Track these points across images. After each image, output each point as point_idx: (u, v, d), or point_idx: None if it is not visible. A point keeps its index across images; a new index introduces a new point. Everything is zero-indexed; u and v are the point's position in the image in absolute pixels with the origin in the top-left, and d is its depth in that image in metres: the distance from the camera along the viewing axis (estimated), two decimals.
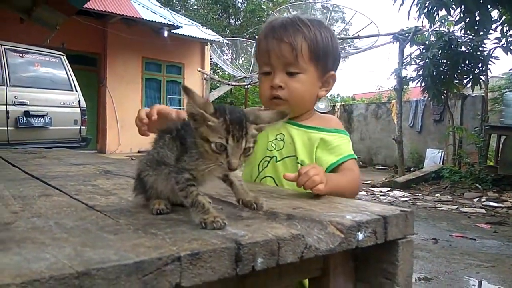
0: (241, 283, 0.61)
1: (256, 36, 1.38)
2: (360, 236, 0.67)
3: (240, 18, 22.87)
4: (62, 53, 7.40)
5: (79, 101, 7.27)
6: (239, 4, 23.34)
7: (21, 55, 6.98)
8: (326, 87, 1.21)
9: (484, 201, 6.11)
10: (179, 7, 21.82)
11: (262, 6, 21.48)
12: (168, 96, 13.41)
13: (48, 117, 6.85)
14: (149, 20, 11.73)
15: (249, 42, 14.42)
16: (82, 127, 7.30)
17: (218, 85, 15.35)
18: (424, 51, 7.73)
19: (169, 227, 0.60)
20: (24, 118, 6.58)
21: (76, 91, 7.28)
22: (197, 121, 0.68)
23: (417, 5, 5.37)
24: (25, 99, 6.60)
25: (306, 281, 0.97)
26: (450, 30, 7.60)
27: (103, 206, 0.78)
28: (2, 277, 0.38)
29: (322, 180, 0.89)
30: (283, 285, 0.74)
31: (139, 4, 12.34)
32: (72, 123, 7.18)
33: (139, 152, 12.13)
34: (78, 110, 7.25)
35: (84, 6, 8.50)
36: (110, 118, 12.07)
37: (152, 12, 12.37)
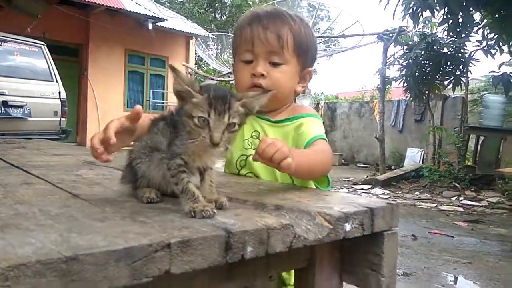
0: (228, 273, 0.61)
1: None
2: (348, 227, 0.68)
3: (226, 13, 22.76)
4: (43, 43, 7.23)
5: (59, 92, 7.12)
6: None
7: (0, 43, 6.79)
8: (303, 83, 1.20)
9: (462, 200, 6.25)
10: (164, 0, 21.57)
11: (248, 2, 21.39)
12: (151, 90, 13.26)
13: (27, 108, 6.69)
14: (133, 11, 11.54)
15: None
16: (62, 119, 7.15)
17: (202, 79, 15.26)
18: (407, 51, 7.83)
19: (157, 215, 0.60)
20: (2, 109, 6.40)
21: (57, 81, 7.12)
22: (183, 99, 0.69)
23: (402, 5, 5.44)
24: (3, 88, 6.43)
25: (291, 277, 0.96)
26: (433, 32, 7.71)
27: (88, 195, 0.76)
28: None
29: (290, 153, 0.79)
30: (270, 275, 0.74)
31: None
32: (52, 114, 7.02)
33: None
34: (59, 101, 7.10)
35: None
36: (91, 111, 11.87)
37: (136, 4, 12.18)
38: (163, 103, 13.55)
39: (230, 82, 13.64)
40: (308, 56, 1.17)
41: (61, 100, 7.12)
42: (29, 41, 7.06)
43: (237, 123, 0.69)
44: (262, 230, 0.56)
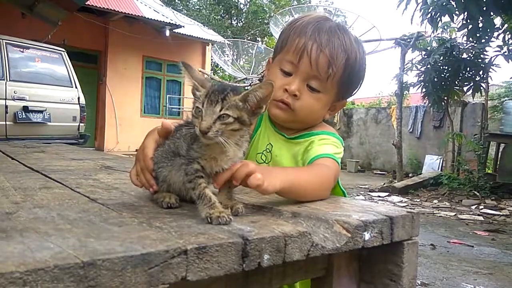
0: (245, 281, 0.60)
1: (272, 30, 1.14)
2: (367, 236, 0.66)
3: (242, 19, 22.90)
4: (63, 49, 7.38)
5: (78, 98, 7.25)
6: (241, 6, 23.38)
7: (21, 50, 6.96)
8: (332, 110, 1.11)
9: (482, 209, 6.11)
10: (181, 7, 21.84)
11: (264, 8, 21.50)
12: (167, 95, 13.40)
13: (47, 113, 6.82)
14: (151, 18, 11.72)
15: (250, 44, 14.42)
16: (80, 124, 7.28)
17: None
18: (425, 57, 7.74)
19: (174, 221, 0.59)
20: (23, 113, 6.55)
21: (76, 87, 7.26)
22: (195, 96, 0.71)
23: (420, 10, 5.38)
24: (24, 94, 6.58)
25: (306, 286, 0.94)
26: (452, 37, 7.61)
27: (105, 199, 0.77)
28: (6, 266, 0.37)
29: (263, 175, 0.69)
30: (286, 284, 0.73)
31: (141, 3, 12.33)
32: (71, 119, 7.16)
33: (137, 150, 12.13)
34: (78, 106, 7.23)
35: (86, 3, 8.51)
36: (109, 116, 12.06)
37: (154, 11, 12.36)
38: (179, 108, 13.66)
39: (246, 88, 13.70)
40: (350, 89, 1.09)
41: (80, 106, 7.25)
42: (50, 48, 7.22)
43: (232, 115, 0.67)
44: (279, 237, 0.55)
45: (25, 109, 6.55)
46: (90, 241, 0.47)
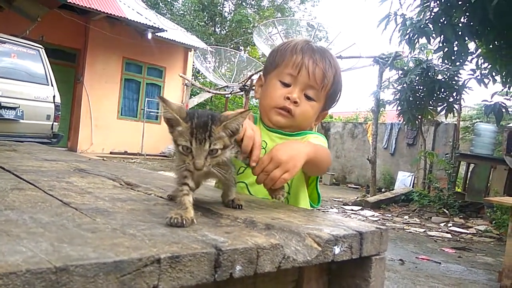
0: None
1: (277, 47, 1.35)
2: (337, 250, 0.68)
3: (226, 27, 22.98)
4: (41, 46, 7.23)
5: (54, 96, 7.09)
6: (226, 14, 23.47)
7: None
8: (317, 120, 1.28)
9: (450, 226, 6.28)
10: (165, 11, 21.74)
11: (249, 18, 21.64)
12: (146, 99, 13.26)
13: (20, 110, 6.65)
14: (134, 20, 11.62)
15: (233, 52, 14.47)
16: (54, 123, 7.11)
17: (198, 91, 15.30)
18: (402, 76, 7.96)
19: (148, 229, 0.60)
20: None
21: (52, 85, 7.10)
22: (172, 126, 0.75)
23: (399, 31, 5.53)
24: None
25: None
26: (429, 58, 7.86)
27: (79, 203, 0.76)
28: None
29: (285, 169, 0.87)
30: None
31: (124, 4, 12.22)
32: (45, 118, 6.98)
33: (111, 153, 11.91)
34: (52, 105, 7.06)
35: (68, 1, 8.38)
36: (84, 116, 11.82)
37: (137, 13, 12.26)
38: (157, 112, 13.54)
39: (226, 95, 13.71)
40: (333, 101, 1.27)
41: (55, 104, 7.09)
42: (27, 44, 7.06)
43: (219, 148, 0.75)
44: (252, 249, 0.56)
45: None
46: (63, 246, 0.46)
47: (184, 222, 0.63)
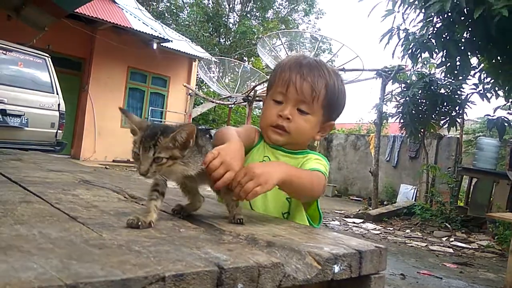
0: None
1: (268, 65, 1.34)
2: (336, 268, 0.70)
3: (230, 38, 23.16)
4: (48, 55, 7.31)
5: (59, 104, 7.14)
6: (231, 25, 23.68)
7: (4, 52, 6.86)
8: (322, 132, 1.27)
9: (452, 241, 6.25)
10: (171, 21, 21.97)
11: (253, 29, 21.83)
12: (150, 108, 13.34)
13: (25, 118, 6.69)
14: (139, 31, 11.74)
15: (237, 63, 14.58)
16: (58, 131, 7.15)
17: (202, 101, 15.39)
18: (405, 89, 7.98)
19: (153, 246, 0.62)
20: (0, 117, 6.41)
21: (57, 94, 7.16)
22: (133, 136, 0.84)
23: (402, 45, 5.57)
24: (3, 97, 6.45)
25: None
26: (431, 72, 7.89)
27: (85, 218, 0.78)
28: None
29: (258, 183, 0.88)
30: None
31: (131, 14, 12.37)
32: (49, 126, 7.03)
33: (114, 161, 11.94)
34: (57, 113, 7.11)
35: (75, 11, 8.48)
36: (88, 124, 11.89)
37: (143, 23, 12.41)
38: (161, 121, 13.61)
39: (229, 105, 13.78)
40: (335, 111, 1.26)
41: (59, 112, 7.13)
42: (34, 52, 7.14)
43: (164, 156, 0.80)
44: (253, 267, 0.58)
45: (3, 112, 6.42)
46: (72, 263, 0.48)
47: (140, 224, 0.73)
